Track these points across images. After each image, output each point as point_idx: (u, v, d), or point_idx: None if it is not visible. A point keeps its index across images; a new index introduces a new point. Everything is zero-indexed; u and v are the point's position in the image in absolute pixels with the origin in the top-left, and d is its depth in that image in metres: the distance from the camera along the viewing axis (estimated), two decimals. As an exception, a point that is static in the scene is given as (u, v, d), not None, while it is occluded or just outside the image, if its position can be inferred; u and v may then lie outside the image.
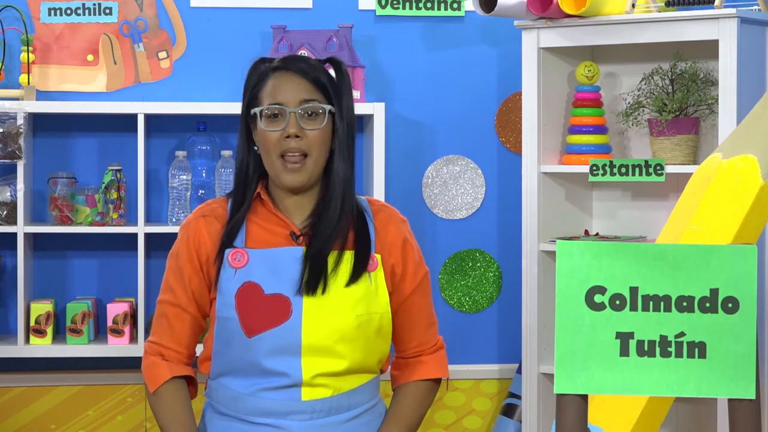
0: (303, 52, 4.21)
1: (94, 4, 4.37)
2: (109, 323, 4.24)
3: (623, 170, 4.01)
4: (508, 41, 4.48)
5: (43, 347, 4.20)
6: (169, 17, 4.40)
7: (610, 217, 4.35)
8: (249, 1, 4.42)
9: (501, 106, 4.54)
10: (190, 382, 2.76)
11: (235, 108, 4.04)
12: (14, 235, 4.15)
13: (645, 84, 4.13)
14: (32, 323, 4.19)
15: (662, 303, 2.08)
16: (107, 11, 4.37)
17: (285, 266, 2.67)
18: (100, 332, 4.37)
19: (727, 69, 3.76)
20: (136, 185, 4.21)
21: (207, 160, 4.33)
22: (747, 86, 3.79)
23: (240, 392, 2.69)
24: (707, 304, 2.07)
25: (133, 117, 4.21)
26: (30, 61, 4.26)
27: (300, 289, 2.65)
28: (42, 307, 4.20)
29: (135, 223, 4.25)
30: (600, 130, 4.20)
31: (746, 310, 2.06)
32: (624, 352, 2.08)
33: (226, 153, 4.28)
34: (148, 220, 4.31)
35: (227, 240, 2.69)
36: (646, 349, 2.08)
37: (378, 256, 2.72)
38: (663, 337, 2.07)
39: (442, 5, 4.47)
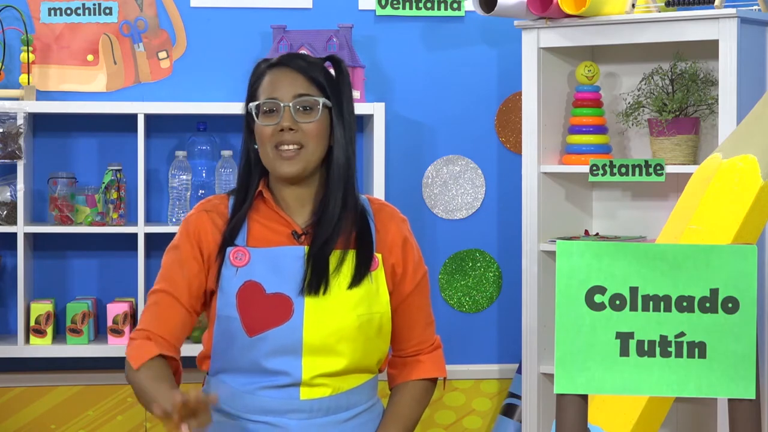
0: (303, 52, 4.21)
1: (94, 4, 4.37)
2: (109, 323, 4.24)
3: (623, 170, 4.01)
4: (508, 41, 4.48)
5: (43, 347, 4.20)
6: (169, 17, 4.40)
7: (610, 217, 4.35)
8: (249, 1, 4.42)
9: (501, 106, 4.54)
10: (176, 371, 2.70)
11: (235, 108, 4.04)
12: (14, 235, 4.15)
13: (645, 84, 4.13)
14: (32, 323, 4.19)
15: (662, 303, 2.08)
16: (107, 11, 4.37)
17: (287, 265, 2.66)
18: (100, 332, 4.37)
19: (727, 69, 3.76)
20: (136, 185, 4.21)
21: (207, 160, 4.33)
22: (747, 86, 3.79)
23: (239, 389, 2.68)
24: (707, 304, 2.07)
25: (133, 117, 4.21)
26: (30, 61, 4.26)
27: (302, 289, 2.65)
28: (42, 307, 4.20)
29: (135, 223, 4.25)
30: (600, 130, 4.20)
31: (746, 310, 2.06)
32: (624, 352, 2.08)
33: (226, 153, 4.28)
34: (148, 220, 4.31)
35: (229, 238, 2.68)
36: (646, 349, 2.08)
37: (379, 256, 2.72)
38: (663, 337, 2.07)
39: (442, 5, 4.47)
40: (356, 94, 4.24)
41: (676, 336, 2.07)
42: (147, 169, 4.28)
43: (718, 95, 3.82)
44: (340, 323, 2.65)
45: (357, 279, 2.67)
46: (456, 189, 4.53)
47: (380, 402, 2.82)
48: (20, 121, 4.13)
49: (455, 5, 4.47)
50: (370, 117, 4.25)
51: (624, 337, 2.08)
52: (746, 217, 2.67)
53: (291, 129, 2.64)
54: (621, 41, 3.99)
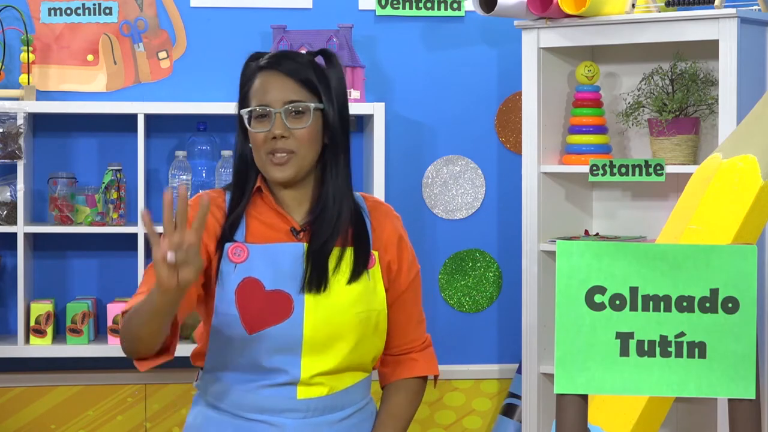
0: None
1: (94, 4, 4.37)
2: (109, 323, 4.24)
3: (623, 170, 4.01)
4: (508, 41, 4.48)
5: (43, 347, 4.20)
6: (169, 17, 4.40)
7: (610, 217, 4.35)
8: (249, 1, 4.42)
9: (501, 106, 4.54)
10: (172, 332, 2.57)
11: (235, 108, 4.04)
12: (14, 235, 4.15)
13: (645, 84, 4.13)
14: (32, 323, 4.19)
15: (662, 303, 2.08)
16: (107, 11, 4.37)
17: (286, 262, 2.65)
18: (100, 332, 4.37)
19: (727, 69, 3.76)
20: (136, 185, 4.21)
21: (207, 160, 4.33)
22: (747, 86, 3.79)
23: (235, 387, 2.67)
24: (707, 304, 2.07)
25: (133, 117, 4.21)
26: (30, 61, 4.26)
27: (302, 287, 2.64)
28: (42, 307, 4.20)
29: (135, 223, 4.25)
30: (600, 130, 4.20)
31: (746, 310, 2.06)
32: (624, 352, 2.08)
33: (226, 153, 4.28)
34: (148, 220, 4.31)
35: (228, 233, 2.66)
36: (646, 349, 2.08)
37: (375, 253, 2.72)
38: (663, 337, 2.07)
39: (442, 5, 4.47)
40: (356, 94, 4.24)
41: (676, 336, 2.07)
42: (147, 169, 4.28)
43: (718, 95, 3.82)
44: (340, 321, 2.65)
45: (355, 275, 2.67)
46: (456, 189, 4.53)
47: (373, 401, 2.81)
48: (20, 121, 4.13)
49: (455, 5, 4.47)
50: (370, 117, 4.25)
51: (624, 337, 2.08)
52: (746, 217, 2.67)
53: (283, 136, 2.62)
54: (621, 41, 3.99)
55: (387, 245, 2.75)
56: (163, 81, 4.41)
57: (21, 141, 4.12)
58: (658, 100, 4.06)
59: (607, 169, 4.03)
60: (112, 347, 4.22)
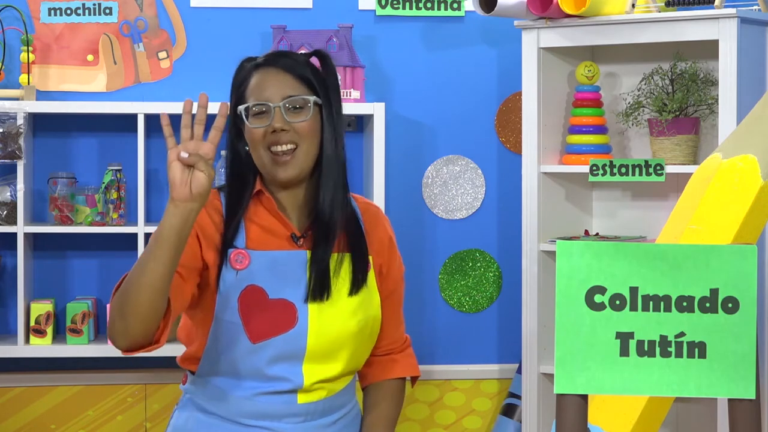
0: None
1: (94, 4, 4.37)
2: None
3: (623, 170, 4.01)
4: (508, 41, 4.48)
5: (43, 347, 4.20)
6: (169, 17, 4.40)
7: (610, 217, 4.35)
8: (249, 1, 4.42)
9: (501, 106, 4.54)
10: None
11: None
12: (14, 235, 4.15)
13: (645, 84, 4.13)
14: (32, 323, 4.19)
15: (662, 303, 2.08)
16: (107, 11, 4.37)
17: (288, 270, 2.62)
18: (100, 332, 4.37)
19: (727, 69, 3.76)
20: (136, 185, 4.21)
21: (207, 160, 4.33)
22: (747, 86, 3.79)
23: (233, 393, 2.63)
24: (707, 304, 2.07)
25: (133, 117, 4.21)
26: (30, 61, 4.26)
27: (306, 296, 2.61)
28: (42, 307, 4.20)
29: (135, 223, 4.25)
30: (600, 130, 4.20)
31: (746, 310, 2.06)
32: (624, 352, 2.07)
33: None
34: (148, 220, 4.31)
35: (229, 238, 2.62)
36: (646, 349, 2.08)
37: (369, 258, 2.71)
38: (663, 337, 2.07)
39: (442, 5, 4.47)
40: (356, 94, 4.24)
41: (676, 336, 2.07)
42: (147, 169, 4.28)
43: (718, 95, 3.82)
44: (341, 330, 2.63)
45: (356, 286, 2.65)
46: (456, 189, 4.53)
47: (357, 403, 2.80)
48: (20, 121, 4.13)
49: (455, 5, 4.47)
50: (370, 117, 4.25)
51: (624, 337, 2.08)
52: (746, 217, 2.67)
53: (283, 129, 2.59)
54: (621, 41, 3.99)
55: (379, 249, 2.73)
56: (163, 81, 4.41)
57: (21, 141, 4.12)
58: (658, 100, 4.06)
59: (607, 169, 4.03)
60: (112, 347, 4.20)
